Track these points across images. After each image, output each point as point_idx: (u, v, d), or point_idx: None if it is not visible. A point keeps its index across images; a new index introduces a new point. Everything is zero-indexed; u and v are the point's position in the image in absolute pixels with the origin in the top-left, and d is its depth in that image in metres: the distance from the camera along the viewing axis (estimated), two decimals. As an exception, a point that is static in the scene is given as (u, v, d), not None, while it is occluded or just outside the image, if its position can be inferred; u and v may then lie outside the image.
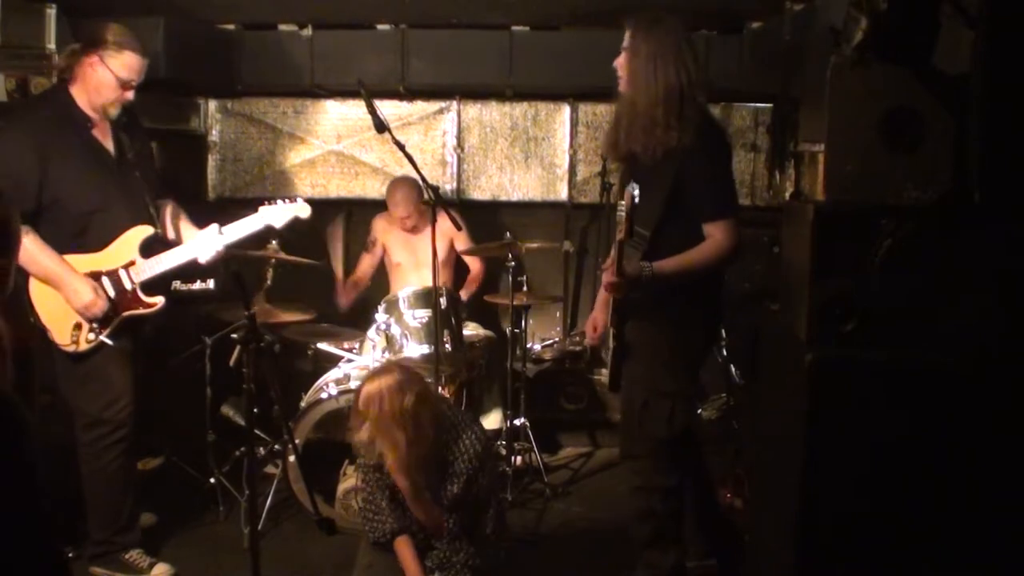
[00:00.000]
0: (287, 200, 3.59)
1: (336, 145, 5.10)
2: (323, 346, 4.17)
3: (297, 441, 3.59)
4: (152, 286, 3.31)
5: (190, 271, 3.43)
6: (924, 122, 2.48)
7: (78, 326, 3.22)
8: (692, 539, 3.22)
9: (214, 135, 5.08)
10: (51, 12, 3.97)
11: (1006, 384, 2.45)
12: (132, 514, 3.43)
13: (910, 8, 2.47)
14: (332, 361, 4.17)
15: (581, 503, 4.25)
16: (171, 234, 3.48)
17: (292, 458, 3.61)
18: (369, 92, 3.60)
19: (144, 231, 3.31)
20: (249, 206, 4.82)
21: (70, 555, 3.37)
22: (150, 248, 3.32)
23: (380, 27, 4.75)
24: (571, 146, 5.08)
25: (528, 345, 4.65)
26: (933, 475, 2.48)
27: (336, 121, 5.08)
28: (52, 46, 3.97)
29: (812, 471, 2.53)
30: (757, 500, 3.30)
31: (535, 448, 4.42)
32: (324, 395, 3.81)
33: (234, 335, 2.91)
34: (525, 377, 4.47)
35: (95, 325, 3.23)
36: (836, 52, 2.56)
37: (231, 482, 3.87)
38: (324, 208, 4.81)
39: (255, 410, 2.90)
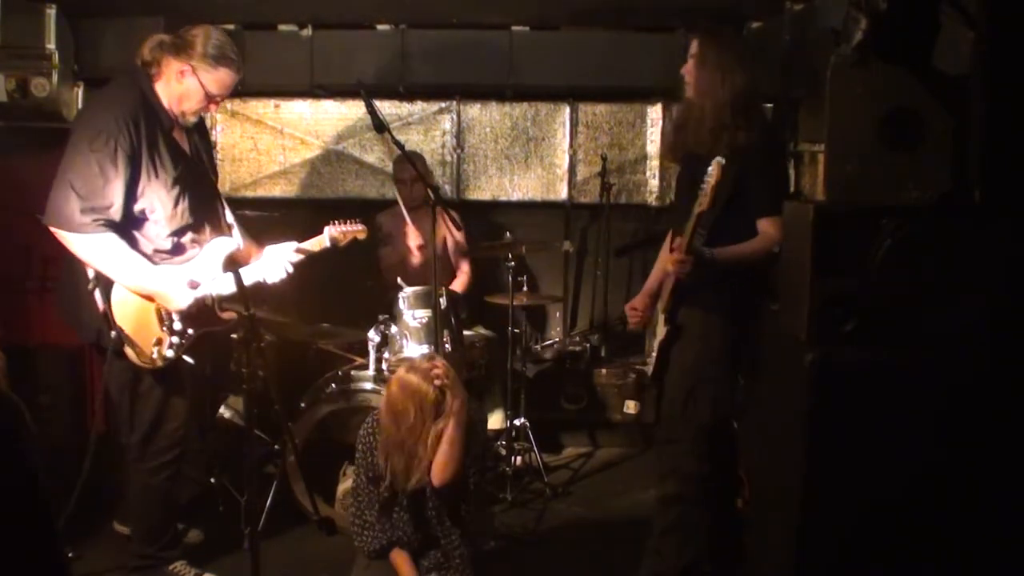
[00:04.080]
0: (350, 221, 3.57)
1: (336, 145, 5.10)
2: (323, 346, 4.16)
3: (297, 441, 3.59)
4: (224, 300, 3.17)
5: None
6: (924, 122, 2.48)
7: (159, 341, 3.07)
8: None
9: (214, 135, 5.08)
10: (51, 12, 3.99)
11: (1005, 384, 2.45)
12: (176, 529, 3.40)
13: (910, 8, 2.47)
14: (332, 361, 4.17)
15: (581, 503, 4.26)
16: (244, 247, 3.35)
17: (292, 458, 3.61)
18: (369, 92, 3.60)
19: (227, 244, 3.16)
20: (249, 206, 4.86)
21: (70, 555, 3.37)
22: (227, 262, 3.15)
23: (380, 27, 4.75)
24: (571, 146, 5.08)
25: (528, 345, 4.65)
26: (933, 475, 2.48)
27: (336, 121, 5.08)
28: (52, 46, 3.98)
29: (812, 471, 2.53)
30: (757, 500, 3.30)
31: (535, 448, 4.43)
32: (324, 395, 3.81)
33: (234, 335, 2.91)
34: (525, 377, 4.47)
35: (174, 341, 3.08)
36: (836, 52, 2.57)
37: (231, 482, 3.86)
38: (324, 209, 4.79)
39: (255, 410, 2.90)
